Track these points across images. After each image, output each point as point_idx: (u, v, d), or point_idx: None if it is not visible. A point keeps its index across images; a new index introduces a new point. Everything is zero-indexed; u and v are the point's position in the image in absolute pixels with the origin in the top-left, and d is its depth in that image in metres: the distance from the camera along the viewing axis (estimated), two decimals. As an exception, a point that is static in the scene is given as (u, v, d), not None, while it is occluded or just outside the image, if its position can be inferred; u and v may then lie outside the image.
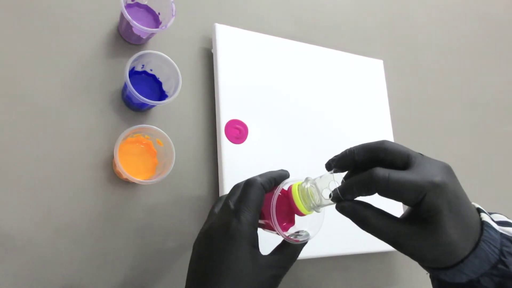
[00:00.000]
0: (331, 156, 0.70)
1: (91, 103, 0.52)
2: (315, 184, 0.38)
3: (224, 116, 0.57)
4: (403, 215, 0.37)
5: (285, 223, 0.43)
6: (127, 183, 0.52)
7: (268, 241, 0.40)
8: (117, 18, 0.56)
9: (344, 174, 0.38)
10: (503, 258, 0.33)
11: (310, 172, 0.62)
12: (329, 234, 0.61)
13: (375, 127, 0.70)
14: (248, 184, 0.39)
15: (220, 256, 0.35)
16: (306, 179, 0.39)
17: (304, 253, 0.58)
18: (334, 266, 0.63)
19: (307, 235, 0.39)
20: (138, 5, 0.56)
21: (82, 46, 0.54)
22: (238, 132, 0.58)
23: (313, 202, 0.38)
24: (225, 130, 0.57)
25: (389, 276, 0.68)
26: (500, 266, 0.33)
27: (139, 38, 0.55)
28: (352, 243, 0.62)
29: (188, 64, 0.60)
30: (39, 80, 0.50)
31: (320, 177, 0.38)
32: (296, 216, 0.43)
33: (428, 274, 0.38)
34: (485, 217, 0.35)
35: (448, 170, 0.35)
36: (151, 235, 0.52)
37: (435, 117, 0.83)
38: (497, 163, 0.88)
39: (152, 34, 0.55)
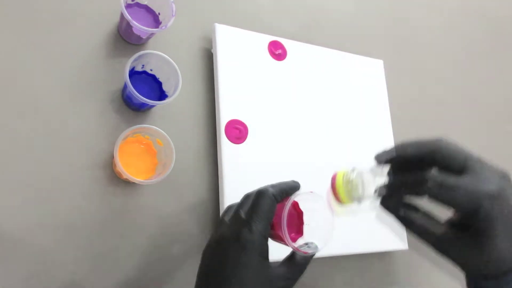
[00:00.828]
0: (330, 156, 0.70)
1: (91, 103, 0.52)
2: (361, 176, 0.36)
3: (224, 116, 0.57)
4: (450, 218, 0.36)
5: (293, 234, 0.43)
6: (127, 183, 0.52)
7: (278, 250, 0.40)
8: (117, 18, 0.56)
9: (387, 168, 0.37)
10: None
11: (310, 171, 0.62)
12: (329, 234, 0.61)
13: (375, 127, 0.70)
14: (260, 194, 0.38)
15: (230, 266, 0.35)
16: (353, 169, 0.37)
17: (304, 253, 0.59)
18: (334, 266, 0.63)
19: (316, 247, 0.39)
20: (138, 5, 0.56)
21: (82, 46, 0.54)
22: (238, 132, 0.58)
23: (355, 194, 0.36)
24: (225, 130, 0.57)
25: (389, 276, 0.68)
26: None
27: (139, 38, 0.55)
28: (352, 243, 0.62)
29: (188, 64, 0.60)
30: (39, 80, 0.50)
31: (367, 170, 0.37)
32: (304, 228, 0.43)
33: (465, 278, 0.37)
34: None
35: (506, 179, 0.35)
36: (151, 235, 0.52)
37: (435, 117, 0.83)
38: (497, 163, 0.88)
39: (152, 34, 0.55)
